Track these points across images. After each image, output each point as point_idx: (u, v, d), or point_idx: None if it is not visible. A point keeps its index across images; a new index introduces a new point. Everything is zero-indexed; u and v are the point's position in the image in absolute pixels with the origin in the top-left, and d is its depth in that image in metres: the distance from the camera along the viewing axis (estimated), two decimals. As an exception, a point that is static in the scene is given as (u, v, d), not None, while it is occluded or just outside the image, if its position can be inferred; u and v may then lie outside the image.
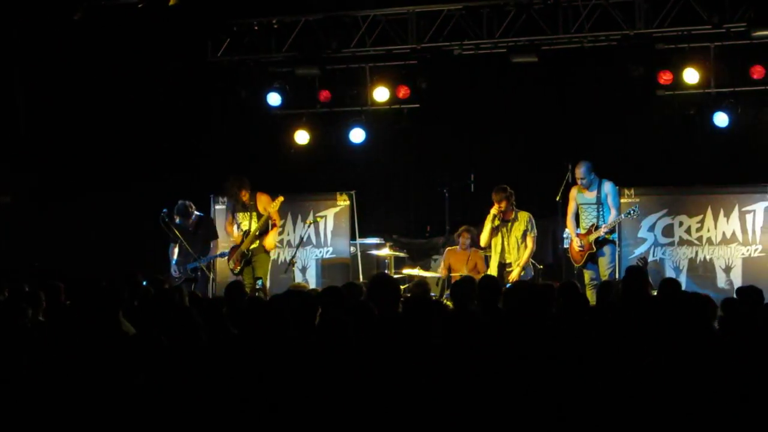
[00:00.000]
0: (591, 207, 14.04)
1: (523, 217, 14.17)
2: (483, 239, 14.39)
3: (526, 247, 14.06)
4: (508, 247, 14.11)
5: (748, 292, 9.52)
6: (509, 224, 14.14)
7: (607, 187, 14.07)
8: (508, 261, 14.10)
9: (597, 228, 13.89)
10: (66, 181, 16.76)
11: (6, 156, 16.25)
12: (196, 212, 14.61)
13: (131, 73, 16.40)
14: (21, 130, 16.28)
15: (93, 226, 16.73)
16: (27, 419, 6.34)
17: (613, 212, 13.99)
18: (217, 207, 16.25)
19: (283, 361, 6.62)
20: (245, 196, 14.40)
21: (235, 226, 14.56)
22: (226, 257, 14.60)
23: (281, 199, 14.35)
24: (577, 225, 14.23)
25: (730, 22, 14.82)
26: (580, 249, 13.93)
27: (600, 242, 13.92)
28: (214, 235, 14.74)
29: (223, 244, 15.01)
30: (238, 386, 6.43)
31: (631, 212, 14.30)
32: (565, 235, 15.27)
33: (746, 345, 7.12)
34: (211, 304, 8.77)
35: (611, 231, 14.06)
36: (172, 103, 16.93)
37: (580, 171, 14.03)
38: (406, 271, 15.20)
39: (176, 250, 14.55)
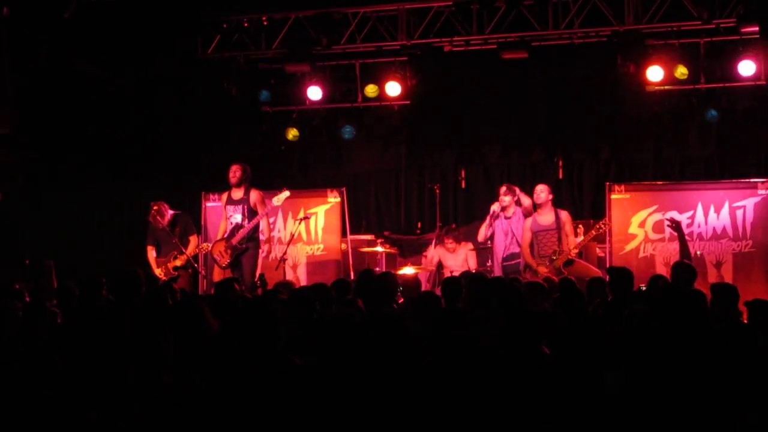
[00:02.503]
0: (550, 233, 14.08)
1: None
2: (481, 234, 14.60)
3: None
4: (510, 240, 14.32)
5: (723, 290, 9.41)
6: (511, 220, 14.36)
7: (564, 215, 14.17)
8: (509, 253, 14.27)
9: (559, 252, 13.90)
10: (57, 178, 16.74)
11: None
12: (171, 210, 14.65)
13: (122, 70, 16.37)
14: (11, 127, 16.23)
15: (84, 223, 16.71)
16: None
17: (571, 237, 14.09)
18: (208, 204, 16.23)
19: (277, 358, 6.61)
20: (232, 176, 14.47)
21: (228, 222, 14.57)
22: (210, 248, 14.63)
23: (287, 193, 14.47)
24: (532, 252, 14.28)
25: (719, 18, 14.86)
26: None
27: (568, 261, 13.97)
28: (192, 231, 14.76)
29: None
30: (231, 385, 6.43)
31: (601, 227, 14.37)
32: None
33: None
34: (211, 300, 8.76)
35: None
36: (162, 99, 16.90)
37: (539, 191, 14.13)
38: (401, 271, 15.20)
39: (153, 253, 14.64)
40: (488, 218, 14.59)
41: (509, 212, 14.48)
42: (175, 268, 14.38)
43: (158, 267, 14.50)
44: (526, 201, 14.34)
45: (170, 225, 14.54)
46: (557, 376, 6.52)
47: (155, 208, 14.47)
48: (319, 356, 6.63)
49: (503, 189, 14.57)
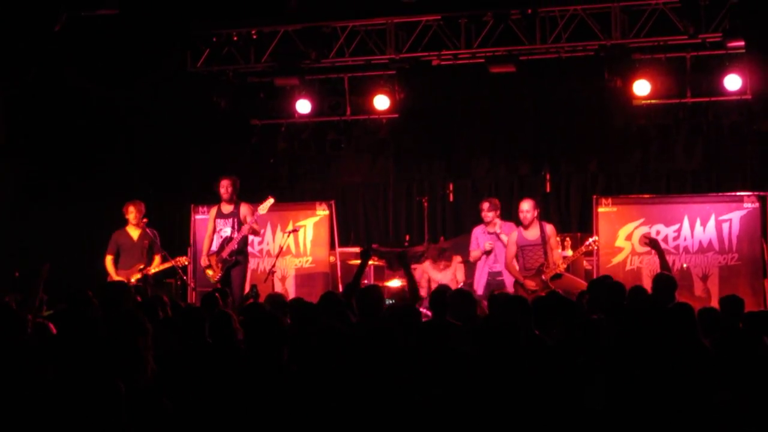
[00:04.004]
0: (536, 247, 14.12)
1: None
2: (473, 255, 14.72)
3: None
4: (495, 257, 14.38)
5: (731, 301, 9.55)
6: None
7: (549, 229, 14.21)
8: (497, 269, 14.30)
9: (546, 266, 13.95)
10: (46, 191, 16.75)
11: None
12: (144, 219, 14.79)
13: (111, 84, 16.39)
14: (1, 138, 16.25)
15: (73, 236, 16.72)
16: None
17: (557, 251, 14.16)
18: (197, 217, 16.25)
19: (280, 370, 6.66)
20: (225, 192, 14.52)
21: (215, 237, 14.60)
22: (207, 266, 14.66)
23: (271, 200, 14.53)
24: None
25: (705, 33, 14.92)
26: (533, 292, 13.31)
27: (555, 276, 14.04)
28: (158, 250, 14.79)
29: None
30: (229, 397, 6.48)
31: (591, 243, 14.47)
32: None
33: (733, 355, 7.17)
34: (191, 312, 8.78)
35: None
36: (152, 112, 16.94)
37: (525, 206, 14.15)
38: (390, 283, 15.24)
39: (112, 263, 14.67)
40: (481, 252, 14.61)
41: (492, 228, 14.52)
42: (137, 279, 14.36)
43: (118, 276, 14.50)
44: (504, 238, 14.31)
45: (138, 238, 14.64)
46: (544, 389, 6.56)
47: (132, 209, 14.61)
48: (313, 369, 6.68)
49: (486, 205, 14.55)
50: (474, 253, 14.69)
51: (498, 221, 14.46)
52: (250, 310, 9.30)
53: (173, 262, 14.63)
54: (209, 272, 14.51)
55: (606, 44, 15.34)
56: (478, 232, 14.70)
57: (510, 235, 14.25)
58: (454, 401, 6.32)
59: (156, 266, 14.64)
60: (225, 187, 14.53)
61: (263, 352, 6.70)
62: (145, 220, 14.63)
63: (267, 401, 6.30)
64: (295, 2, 14.73)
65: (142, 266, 14.51)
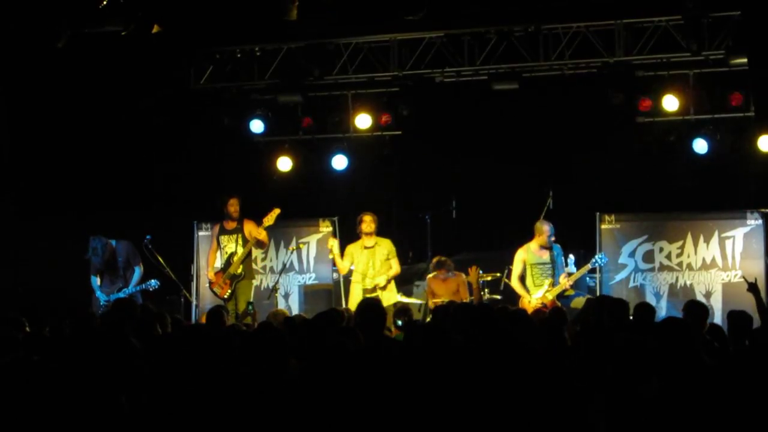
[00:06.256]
0: (546, 266, 14.25)
1: (385, 242, 14.77)
2: (344, 268, 14.97)
3: (390, 268, 14.68)
4: (372, 272, 14.57)
5: (739, 316, 9.52)
6: (372, 250, 14.55)
7: (558, 248, 14.40)
8: (371, 286, 14.47)
9: (554, 284, 14.10)
10: (48, 208, 16.74)
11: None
12: (109, 241, 14.72)
13: (115, 101, 16.42)
14: (4, 158, 16.28)
15: (75, 253, 16.71)
16: None
17: (564, 269, 14.39)
18: (200, 234, 16.27)
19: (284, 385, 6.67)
20: (234, 210, 14.57)
21: (218, 254, 14.62)
22: (212, 283, 14.65)
23: (277, 211, 14.52)
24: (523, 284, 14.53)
25: (708, 50, 14.94)
26: (542, 307, 13.69)
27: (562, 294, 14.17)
28: (136, 261, 14.77)
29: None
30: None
31: (598, 260, 14.53)
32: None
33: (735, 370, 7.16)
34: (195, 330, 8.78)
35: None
36: (155, 130, 16.95)
37: (550, 229, 14.28)
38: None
39: (99, 281, 14.67)
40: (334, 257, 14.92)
41: (370, 242, 14.57)
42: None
43: (101, 295, 14.54)
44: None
45: (111, 257, 14.61)
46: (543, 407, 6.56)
47: (91, 246, 14.62)
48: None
49: (368, 218, 14.71)
50: (341, 266, 15.08)
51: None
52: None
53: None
54: (217, 290, 14.51)
55: (609, 61, 15.37)
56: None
57: (517, 252, 14.38)
58: (454, 416, 6.33)
59: (137, 281, 14.67)
60: (233, 205, 14.60)
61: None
62: (149, 237, 14.67)
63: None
64: (295, 13, 14.67)
65: (121, 285, 14.53)
